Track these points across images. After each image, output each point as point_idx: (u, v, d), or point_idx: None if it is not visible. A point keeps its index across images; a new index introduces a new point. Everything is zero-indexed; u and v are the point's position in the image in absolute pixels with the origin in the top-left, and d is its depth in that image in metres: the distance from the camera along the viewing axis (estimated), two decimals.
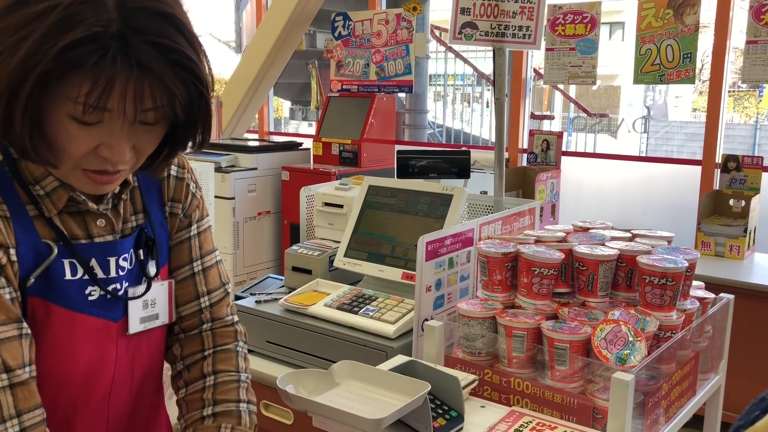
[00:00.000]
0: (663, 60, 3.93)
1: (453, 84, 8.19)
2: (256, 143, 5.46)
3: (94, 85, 0.79)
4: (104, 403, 1.02)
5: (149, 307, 1.04)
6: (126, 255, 1.00)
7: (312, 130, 8.29)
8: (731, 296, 1.69)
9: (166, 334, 1.13)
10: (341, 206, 2.12)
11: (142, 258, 1.02)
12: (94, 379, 0.99)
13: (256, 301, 1.89)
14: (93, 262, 0.96)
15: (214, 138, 5.32)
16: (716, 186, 3.84)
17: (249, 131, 6.11)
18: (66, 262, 0.93)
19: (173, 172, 1.10)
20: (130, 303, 1.01)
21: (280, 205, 5.01)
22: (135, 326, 1.02)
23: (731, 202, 3.69)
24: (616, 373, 1.22)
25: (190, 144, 0.94)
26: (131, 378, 1.05)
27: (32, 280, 0.90)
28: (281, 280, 2.13)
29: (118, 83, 0.79)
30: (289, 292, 1.90)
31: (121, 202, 1.01)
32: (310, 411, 1.15)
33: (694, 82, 3.85)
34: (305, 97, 8.24)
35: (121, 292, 0.99)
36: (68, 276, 0.94)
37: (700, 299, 1.56)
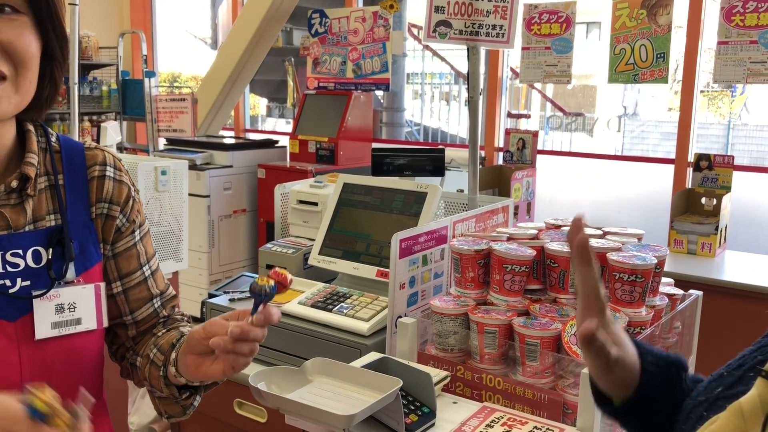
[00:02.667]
0: (637, 60, 3.98)
1: (431, 83, 8.21)
2: (232, 141, 5.43)
3: None
4: None
5: (65, 311, 0.99)
6: (21, 251, 0.96)
7: (289, 128, 8.26)
8: (700, 293, 1.71)
9: (104, 344, 1.09)
10: (316, 204, 2.12)
11: (49, 258, 0.98)
12: None
13: (229, 300, 1.88)
14: None
15: (189, 135, 5.28)
16: (689, 184, 3.90)
17: (224, 128, 6.07)
18: None
19: (109, 173, 1.07)
20: (35, 303, 0.95)
21: (256, 203, 4.99)
22: (44, 331, 0.96)
23: (703, 200, 3.74)
24: (586, 368, 1.23)
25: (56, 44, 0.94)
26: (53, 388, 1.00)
27: None
28: (256, 278, 2.12)
29: None
30: None
31: (29, 198, 0.98)
32: (282, 408, 1.15)
33: (667, 82, 3.90)
34: (281, 94, 8.20)
35: (13, 290, 0.95)
36: None
37: (669, 296, 1.58)
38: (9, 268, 0.94)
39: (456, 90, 7.99)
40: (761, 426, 0.54)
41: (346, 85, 5.00)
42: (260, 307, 0.93)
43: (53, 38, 0.95)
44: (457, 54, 7.66)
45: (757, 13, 3.57)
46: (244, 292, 1.93)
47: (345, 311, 1.72)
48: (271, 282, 0.93)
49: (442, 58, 7.22)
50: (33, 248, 0.97)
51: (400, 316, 1.58)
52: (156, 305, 1.13)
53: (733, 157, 3.73)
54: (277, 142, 5.27)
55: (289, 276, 0.97)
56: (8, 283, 0.94)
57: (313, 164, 4.79)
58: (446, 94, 8.40)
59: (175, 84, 10.41)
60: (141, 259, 1.11)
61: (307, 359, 1.29)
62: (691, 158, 3.92)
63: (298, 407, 1.12)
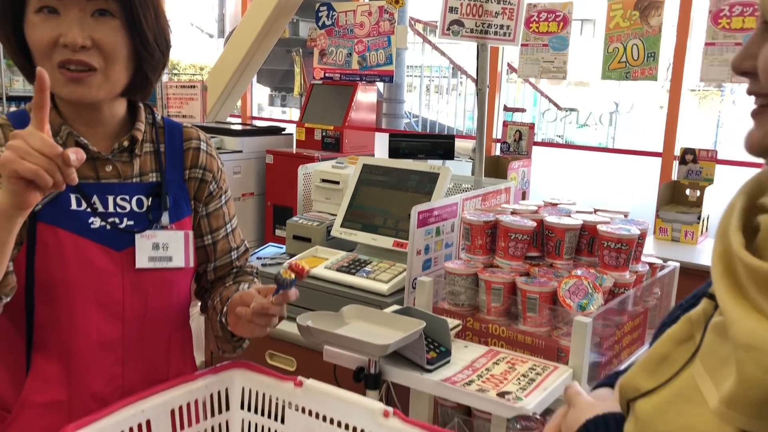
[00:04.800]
0: (629, 58, 4.21)
1: (429, 75, 8.43)
2: (240, 127, 5.65)
3: None
4: (118, 329, 1.19)
5: (160, 249, 1.22)
6: (127, 197, 1.20)
7: (286, 116, 8.49)
8: (677, 264, 1.97)
9: (191, 285, 1.34)
10: (338, 182, 2.36)
11: (149, 205, 1.22)
12: (103, 304, 1.17)
13: (261, 264, 2.12)
14: (95, 198, 1.17)
15: (198, 121, 5.49)
16: (674, 177, 4.14)
17: (231, 115, 6.28)
18: (72, 196, 1.14)
19: (203, 147, 1.32)
20: (137, 238, 1.19)
21: (263, 187, 5.21)
22: (143, 262, 1.19)
23: (687, 191, 3.98)
24: (578, 317, 1.48)
25: (150, 38, 1.16)
26: (144, 315, 1.22)
27: (40, 206, 1.11)
28: (281, 248, 2.36)
29: None
30: (291, 258, 2.14)
31: (137, 157, 1.22)
32: (326, 341, 1.39)
33: (656, 80, 4.14)
34: (285, 84, 8.41)
35: (121, 226, 1.19)
36: (74, 207, 1.15)
37: (650, 264, 1.83)
38: (118, 209, 1.19)
39: (453, 83, 8.21)
40: (702, 329, 0.76)
41: (351, 76, 5.22)
42: (280, 291, 1.16)
43: (138, 39, 1.15)
44: (454, 48, 7.88)
45: (743, 17, 3.82)
46: (274, 258, 2.17)
47: (367, 275, 1.96)
48: (292, 276, 1.16)
49: (442, 52, 7.44)
50: (137, 196, 1.21)
51: (416, 278, 1.82)
52: (233, 256, 1.38)
53: (716, 151, 3.98)
54: (284, 129, 5.48)
55: (306, 267, 1.21)
56: (117, 220, 1.19)
57: (319, 151, 5.01)
58: (437, 87, 8.61)
59: (174, 71, 10.62)
60: (225, 218, 1.36)
61: None
62: (677, 152, 4.17)
63: (341, 339, 1.36)
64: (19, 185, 0.92)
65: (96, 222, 1.17)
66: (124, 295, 1.19)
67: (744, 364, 0.58)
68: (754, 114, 0.70)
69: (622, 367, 1.50)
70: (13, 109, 6.09)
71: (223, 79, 5.78)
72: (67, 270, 1.14)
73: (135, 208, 1.21)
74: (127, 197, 1.21)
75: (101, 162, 1.19)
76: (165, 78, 6.08)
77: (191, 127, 1.33)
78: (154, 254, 1.22)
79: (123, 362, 1.22)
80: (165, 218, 1.24)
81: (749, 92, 0.71)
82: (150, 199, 1.23)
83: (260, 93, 9.00)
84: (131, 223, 1.20)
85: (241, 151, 5.03)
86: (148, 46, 1.17)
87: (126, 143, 1.22)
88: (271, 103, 9.13)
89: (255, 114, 8.03)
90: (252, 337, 1.28)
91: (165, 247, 1.23)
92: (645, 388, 0.73)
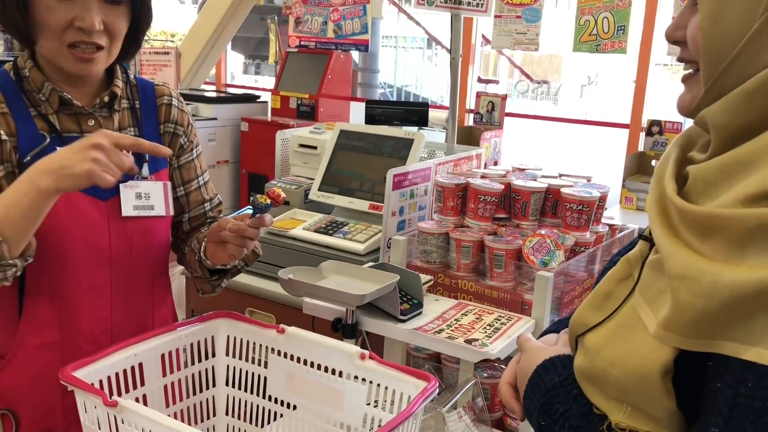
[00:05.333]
0: (599, 31, 4.30)
1: (404, 46, 8.47)
2: (214, 95, 5.66)
3: None
4: (105, 274, 1.29)
5: (142, 198, 1.31)
6: None
7: (259, 84, 8.49)
8: (636, 226, 2.09)
9: (170, 233, 1.42)
10: (315, 147, 2.44)
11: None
12: (92, 251, 1.26)
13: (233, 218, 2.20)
14: None
15: (173, 87, 5.49)
16: (641, 148, 4.28)
17: (205, 83, 6.28)
18: (58, 149, 1.18)
19: (174, 103, 1.40)
20: (122, 188, 1.27)
21: (238, 155, 5.24)
22: (127, 210, 1.28)
23: (653, 162, 4.12)
24: (540, 272, 1.59)
25: (146, 19, 1.27)
26: (129, 260, 1.31)
27: (29, 158, 1.20)
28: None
29: None
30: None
31: (116, 112, 1.30)
32: (307, 293, 1.49)
33: (626, 53, 4.24)
34: (259, 51, 8.40)
35: None
36: None
37: (610, 226, 1.95)
38: None
39: (429, 54, 8.28)
40: (639, 267, 0.85)
41: (327, 45, 5.24)
42: (257, 215, 1.24)
43: (137, 20, 1.27)
44: (429, 18, 7.92)
45: None
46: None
47: (344, 235, 2.05)
48: (268, 201, 1.24)
49: (417, 22, 7.48)
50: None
51: (391, 238, 1.92)
52: (206, 207, 1.47)
53: (681, 123, 4.11)
54: (258, 97, 5.50)
55: (282, 194, 1.28)
56: None
57: (294, 119, 5.05)
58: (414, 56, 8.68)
59: (144, 38, 10.48)
60: (197, 170, 1.45)
61: None
62: (644, 124, 4.30)
63: (321, 291, 1.45)
64: (84, 183, 1.07)
65: None
66: (110, 241, 1.28)
67: (678, 291, 0.68)
68: (685, 79, 0.80)
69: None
70: None
71: (198, 45, 5.77)
72: (57, 219, 1.21)
73: None
74: None
75: (84, 117, 1.28)
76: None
77: (162, 84, 1.42)
78: (137, 203, 1.31)
79: (111, 305, 1.31)
80: (145, 169, 1.33)
81: (679, 59, 0.81)
82: (130, 152, 1.30)
83: (234, 60, 8.96)
84: None
85: (215, 119, 5.05)
86: (144, 25, 1.29)
87: (106, 98, 1.30)
88: (245, 71, 9.11)
89: (228, 81, 8.02)
90: (229, 266, 1.38)
91: (147, 197, 1.32)
92: (592, 323, 0.83)
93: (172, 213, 1.37)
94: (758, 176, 0.66)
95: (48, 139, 1.23)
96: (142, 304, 1.37)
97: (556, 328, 1.05)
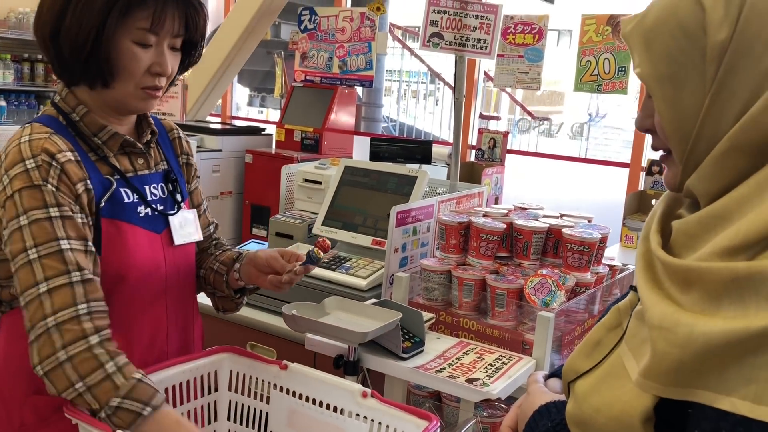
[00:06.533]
0: (600, 71, 4.37)
1: (407, 81, 8.56)
2: (220, 126, 5.72)
3: (154, 14, 1.20)
4: (162, 302, 1.35)
5: (184, 227, 1.39)
6: (156, 185, 1.36)
7: (263, 117, 8.57)
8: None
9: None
10: (320, 182, 2.46)
11: (170, 189, 1.39)
12: (153, 282, 1.32)
13: None
14: (139, 189, 1.32)
15: (178, 119, 5.56)
16: (641, 187, 4.31)
17: (211, 114, 6.35)
18: (122, 190, 1.29)
19: (181, 135, 1.50)
20: (171, 219, 1.36)
21: (242, 186, 5.28)
22: (178, 239, 1.37)
23: (653, 202, 4.14)
24: (541, 312, 1.60)
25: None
26: (179, 281, 1.39)
27: (103, 203, 1.25)
28: (263, 244, 2.46)
29: (169, 11, 1.22)
30: None
31: (151, 149, 1.37)
32: (310, 329, 1.50)
33: (626, 93, 4.30)
34: (265, 84, 8.48)
35: (160, 210, 1.35)
36: (126, 200, 1.29)
37: (611, 266, 1.97)
38: (153, 197, 1.34)
39: (432, 88, 8.36)
40: (629, 317, 0.86)
41: (332, 80, 5.32)
42: (308, 264, 1.39)
43: (185, 63, 1.35)
44: (432, 54, 8.02)
45: None
46: None
47: (346, 270, 2.07)
48: (321, 254, 1.37)
49: (420, 59, 7.57)
50: (160, 183, 1.37)
51: (393, 275, 1.93)
52: (211, 230, 1.54)
53: None
54: (263, 129, 5.56)
55: (329, 242, 1.39)
56: (156, 206, 1.34)
57: (298, 152, 5.10)
58: (415, 92, 8.76)
59: None
60: (201, 195, 1.52)
61: None
62: (644, 163, 4.34)
63: (324, 327, 1.47)
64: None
65: (142, 210, 1.31)
66: (166, 270, 1.35)
67: (656, 341, 0.71)
68: (663, 159, 0.84)
69: None
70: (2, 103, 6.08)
71: (205, 78, 5.85)
72: (127, 257, 1.27)
73: (161, 194, 1.37)
74: (156, 185, 1.36)
75: (135, 155, 1.34)
76: None
77: (164, 118, 1.49)
78: (182, 231, 1.38)
79: (167, 331, 1.37)
80: (179, 198, 1.41)
81: (653, 148, 0.85)
82: (169, 184, 1.39)
83: (239, 93, 9.06)
84: (162, 207, 1.36)
85: (220, 150, 5.10)
86: (185, 69, 1.38)
87: (149, 136, 1.37)
88: (250, 104, 9.20)
89: (233, 113, 8.11)
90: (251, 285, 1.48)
91: (186, 225, 1.39)
92: (582, 369, 0.86)
93: (201, 237, 1.45)
94: (732, 229, 0.70)
95: (115, 183, 1.27)
96: (189, 326, 1.44)
97: (559, 372, 1.07)
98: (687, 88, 0.74)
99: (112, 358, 1.13)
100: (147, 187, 1.33)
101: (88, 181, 1.23)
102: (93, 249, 1.20)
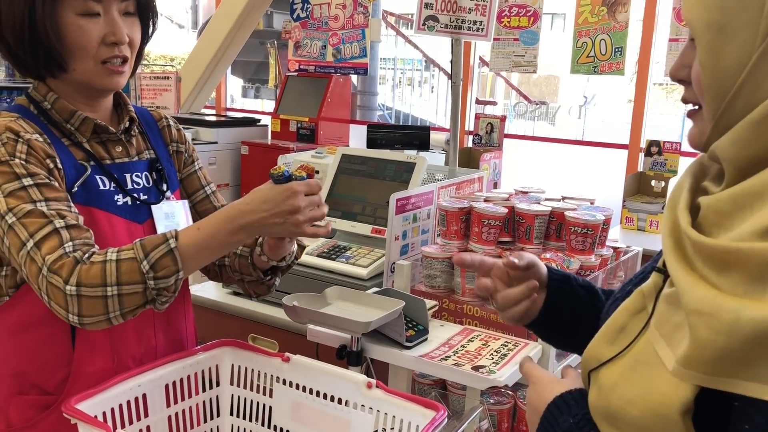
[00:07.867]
0: (597, 53, 4.33)
1: (402, 68, 8.51)
2: (214, 118, 5.67)
3: None
4: None
5: (170, 218, 1.34)
6: (139, 173, 1.31)
7: (258, 107, 8.53)
8: (640, 248, 2.08)
9: None
10: (317, 172, 2.42)
11: (155, 179, 1.34)
12: None
13: None
14: (117, 177, 1.27)
15: (172, 112, 5.51)
16: (640, 168, 4.28)
17: (205, 106, 6.30)
18: (98, 177, 1.24)
19: (171, 123, 1.44)
20: (154, 209, 1.30)
21: (238, 178, 5.24)
22: (162, 229, 1.30)
23: (653, 182, 4.12)
24: None
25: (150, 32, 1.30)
26: None
27: (76, 188, 1.20)
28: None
29: None
30: None
31: (133, 137, 1.32)
32: (312, 320, 1.47)
33: (623, 74, 4.26)
34: (259, 75, 8.43)
35: (139, 201, 1.30)
36: (101, 187, 1.25)
37: (615, 248, 1.94)
38: (135, 185, 1.30)
39: (426, 75, 8.31)
40: (654, 300, 0.84)
41: (326, 68, 5.27)
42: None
43: (145, 32, 1.30)
44: (426, 41, 7.96)
45: None
46: None
47: (346, 260, 2.04)
48: (303, 173, 1.25)
49: (415, 45, 7.52)
50: (144, 172, 1.32)
51: (394, 263, 1.90)
52: None
53: (680, 143, 4.12)
54: (259, 120, 5.52)
55: (312, 167, 1.30)
56: (136, 196, 1.29)
57: (294, 142, 5.05)
58: (410, 79, 8.71)
59: (144, 62, 10.57)
60: (201, 181, 1.46)
61: None
62: (643, 144, 4.31)
63: (326, 318, 1.44)
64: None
65: (120, 199, 1.26)
66: None
67: (696, 328, 0.66)
68: (690, 114, 0.80)
69: None
70: None
71: (198, 70, 5.80)
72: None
73: (145, 183, 1.32)
74: (140, 174, 1.32)
75: (112, 143, 1.29)
76: (138, 69, 6.06)
77: (154, 109, 1.45)
78: (167, 223, 1.33)
79: (154, 325, 1.32)
80: (164, 188, 1.36)
81: (683, 100, 0.81)
82: (153, 173, 1.34)
83: (233, 84, 9.01)
84: (146, 197, 1.31)
85: (216, 142, 5.06)
86: (151, 33, 1.32)
87: (128, 123, 1.32)
88: (244, 95, 9.14)
89: (228, 105, 8.05)
90: (283, 263, 1.39)
91: (173, 216, 1.34)
92: (606, 357, 0.81)
93: None
94: None
95: (89, 169, 1.23)
96: (179, 320, 1.39)
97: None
98: (736, 39, 0.70)
99: (108, 253, 1.12)
100: (128, 176, 1.29)
101: (57, 160, 1.19)
102: (77, 211, 1.17)
